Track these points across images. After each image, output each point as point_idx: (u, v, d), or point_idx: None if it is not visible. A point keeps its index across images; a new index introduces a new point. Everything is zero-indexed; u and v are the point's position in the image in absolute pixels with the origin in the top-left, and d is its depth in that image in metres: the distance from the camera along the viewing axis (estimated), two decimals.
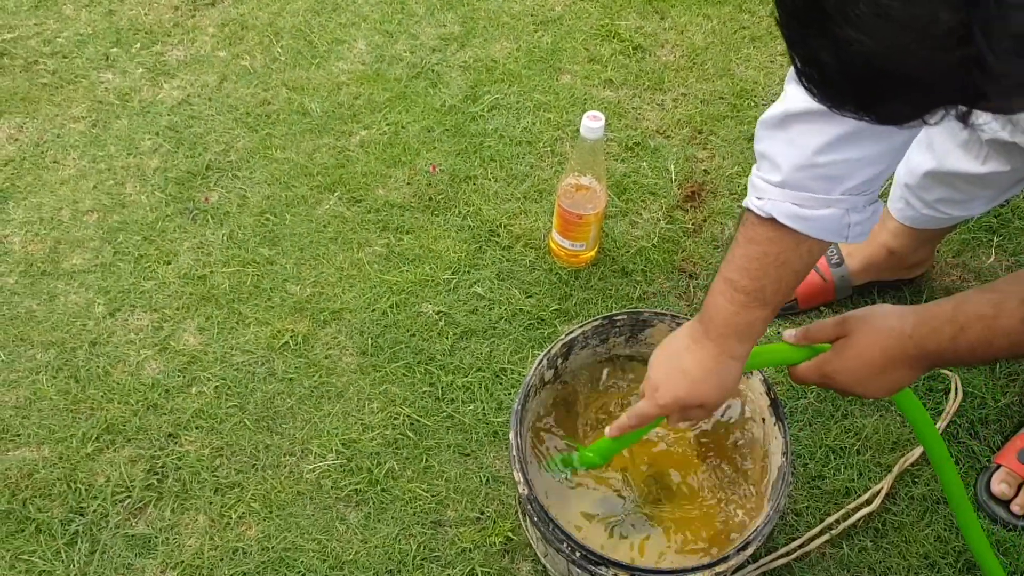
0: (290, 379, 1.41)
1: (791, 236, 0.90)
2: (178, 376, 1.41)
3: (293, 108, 1.72)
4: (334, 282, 1.51)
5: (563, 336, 1.14)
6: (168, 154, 1.67)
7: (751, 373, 1.13)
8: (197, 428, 1.36)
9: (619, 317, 1.15)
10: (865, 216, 0.93)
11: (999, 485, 1.28)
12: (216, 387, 1.40)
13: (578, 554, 1.01)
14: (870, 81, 0.52)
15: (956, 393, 1.34)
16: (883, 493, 1.27)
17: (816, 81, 0.56)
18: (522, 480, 1.05)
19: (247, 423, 1.37)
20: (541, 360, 1.13)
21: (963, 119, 0.53)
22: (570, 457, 1.12)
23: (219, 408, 1.38)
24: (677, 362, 0.97)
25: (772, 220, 0.90)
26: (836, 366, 0.92)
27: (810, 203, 0.89)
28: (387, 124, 1.70)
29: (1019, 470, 1.28)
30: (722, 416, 1.22)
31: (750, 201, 0.93)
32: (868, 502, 1.27)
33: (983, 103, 0.52)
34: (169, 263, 1.53)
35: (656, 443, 1.23)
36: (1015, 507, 1.27)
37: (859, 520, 1.25)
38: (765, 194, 0.91)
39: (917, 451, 1.30)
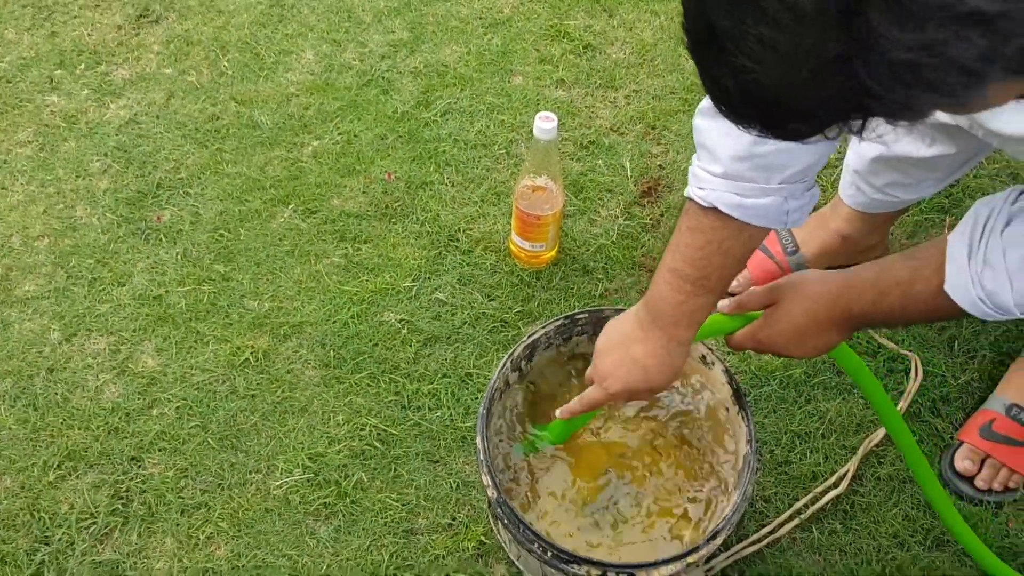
0: (252, 396, 1.39)
1: (733, 224, 0.93)
2: (138, 398, 1.39)
3: (243, 122, 1.71)
4: (292, 295, 1.49)
5: (525, 338, 1.14)
6: (118, 174, 1.65)
7: (712, 365, 1.14)
8: (160, 450, 1.34)
9: (580, 316, 1.16)
10: (803, 202, 0.96)
11: (963, 462, 1.30)
12: (177, 408, 1.38)
13: (549, 554, 1.01)
14: (768, 105, 0.56)
15: (916, 373, 1.36)
16: (850, 475, 1.28)
17: (722, 103, 0.59)
18: (490, 484, 1.04)
19: (211, 442, 1.35)
20: (505, 363, 1.12)
21: (859, 132, 0.56)
22: (529, 439, 1.16)
23: (181, 429, 1.36)
24: (626, 351, 0.99)
25: (714, 209, 0.93)
26: (768, 332, 0.96)
27: (750, 192, 0.92)
28: (339, 133, 1.69)
29: (981, 446, 1.30)
30: (688, 407, 1.22)
31: (692, 191, 0.95)
32: (835, 485, 1.28)
33: (875, 119, 0.55)
34: (124, 285, 1.51)
35: (632, 432, 1.23)
36: (979, 482, 1.28)
37: (827, 503, 1.26)
38: (706, 184, 0.93)
39: (881, 432, 1.31)
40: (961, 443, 1.31)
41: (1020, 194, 0.82)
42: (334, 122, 1.70)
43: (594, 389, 1.02)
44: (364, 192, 1.61)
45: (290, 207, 1.60)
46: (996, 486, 1.28)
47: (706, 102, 0.94)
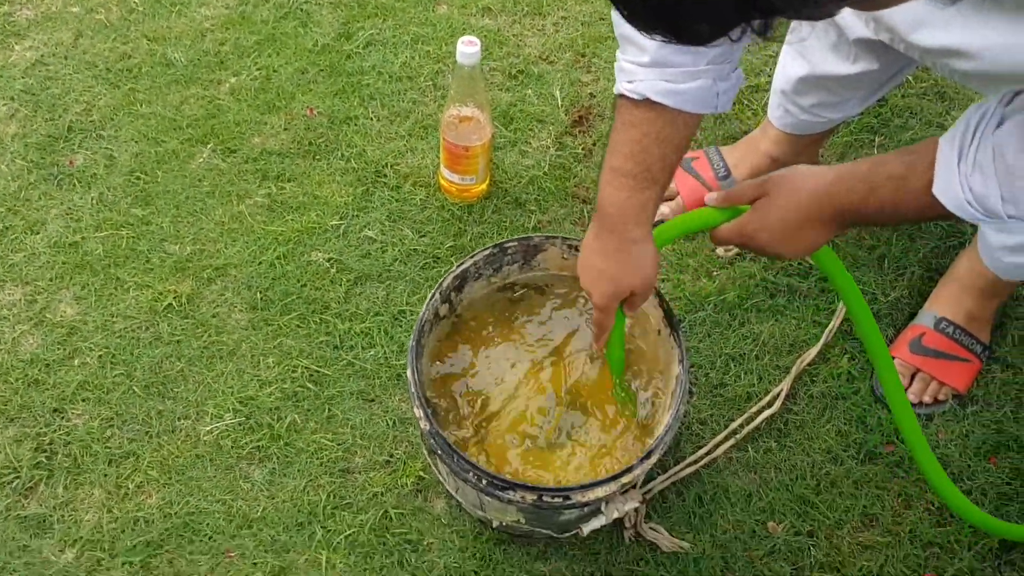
0: (177, 341, 1.35)
1: (667, 112, 0.93)
2: (58, 349, 1.34)
3: (156, 60, 1.63)
4: (215, 238, 1.44)
5: (455, 268, 1.12)
6: (26, 119, 1.57)
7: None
8: (83, 400, 1.30)
9: (510, 244, 1.13)
10: (731, 84, 0.96)
11: None
12: (100, 356, 1.33)
13: (484, 481, 0.99)
14: (668, 10, 0.55)
15: None
16: (783, 394, 1.29)
17: (625, 8, 0.58)
18: (422, 415, 1.02)
19: (136, 390, 1.31)
20: (434, 295, 1.10)
21: (762, 32, 0.55)
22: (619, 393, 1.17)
23: (105, 378, 1.32)
24: (591, 263, 1.01)
25: (647, 100, 0.93)
26: (756, 225, 0.94)
27: (679, 77, 0.92)
28: (257, 69, 1.62)
29: (911, 360, 1.31)
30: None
31: (621, 87, 0.95)
32: (769, 404, 1.29)
33: (777, 14, 0.54)
34: (37, 233, 1.44)
35: (558, 374, 1.22)
36: (909, 396, 1.30)
37: (762, 423, 1.27)
38: (635, 76, 0.93)
39: (813, 351, 1.32)
40: (892, 359, 1.32)
41: (1016, 95, 0.81)
42: (251, 57, 1.64)
43: (595, 313, 1.05)
44: (286, 129, 1.56)
45: (209, 147, 1.54)
46: (926, 399, 1.30)
47: None
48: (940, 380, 1.30)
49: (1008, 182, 0.80)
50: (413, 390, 1.04)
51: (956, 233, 1.44)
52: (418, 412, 1.03)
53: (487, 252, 1.13)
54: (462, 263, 1.12)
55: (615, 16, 0.92)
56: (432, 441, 1.01)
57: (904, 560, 1.20)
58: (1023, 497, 1.23)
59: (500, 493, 0.99)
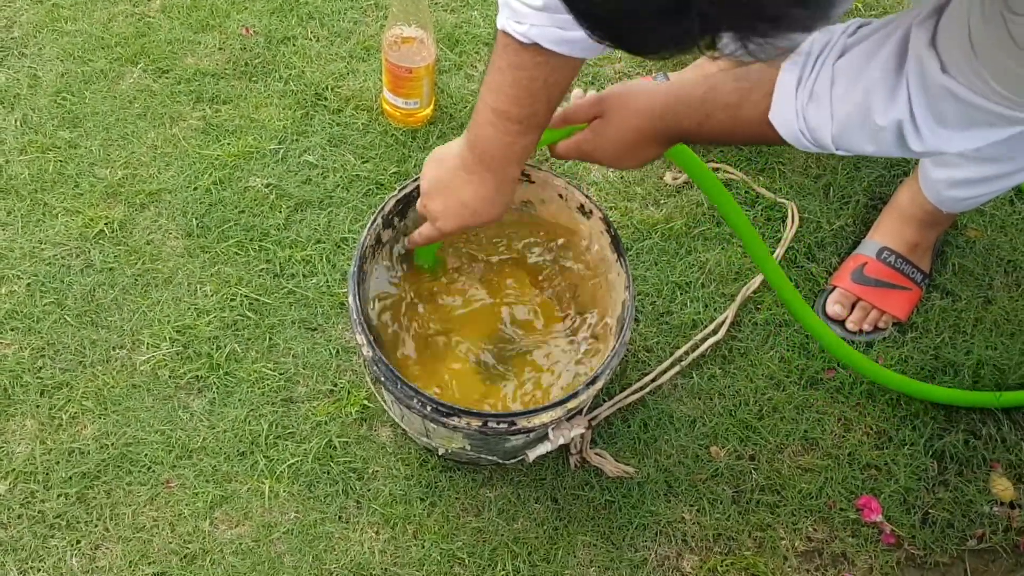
0: (110, 269, 1.30)
1: (556, 58, 0.88)
2: None
3: None
4: (148, 162, 1.39)
5: (396, 192, 1.09)
6: None
7: (591, 213, 1.11)
8: (12, 330, 1.25)
9: None
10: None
11: (833, 306, 1.32)
12: (28, 284, 1.28)
13: (429, 408, 0.98)
14: (613, 24, 0.54)
15: (792, 219, 1.37)
16: (728, 322, 1.30)
17: (579, 19, 0.56)
18: (365, 342, 1.00)
19: (68, 319, 1.26)
20: (375, 219, 1.07)
21: (710, 48, 0.53)
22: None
23: (34, 307, 1.27)
24: (456, 195, 0.98)
25: (535, 45, 0.87)
26: (594, 144, 0.96)
27: (572, 24, 0.85)
28: None
29: (852, 289, 1.33)
30: (570, 264, 1.20)
31: (507, 24, 0.88)
32: (714, 332, 1.29)
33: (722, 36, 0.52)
34: None
35: (502, 303, 1.20)
36: (850, 324, 1.32)
37: (707, 349, 1.28)
38: (525, 19, 0.86)
39: (758, 279, 1.33)
40: (834, 288, 1.34)
41: (859, 27, 0.80)
42: None
43: (427, 227, 1.03)
44: (220, 49, 1.49)
45: (139, 67, 1.47)
46: (866, 327, 1.32)
47: None
48: (881, 308, 1.32)
49: (841, 112, 0.79)
50: (355, 316, 1.01)
51: (901, 162, 1.45)
52: (360, 339, 1.01)
53: None
54: (404, 187, 1.09)
55: None
56: (375, 368, 1.00)
57: (843, 482, 1.22)
58: (957, 420, 1.26)
59: (445, 420, 0.98)
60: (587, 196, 1.10)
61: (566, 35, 0.86)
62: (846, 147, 0.82)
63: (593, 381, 1.00)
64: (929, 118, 0.76)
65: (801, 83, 0.80)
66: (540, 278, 1.20)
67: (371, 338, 1.00)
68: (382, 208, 1.07)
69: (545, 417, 0.99)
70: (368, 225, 1.06)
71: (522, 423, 0.99)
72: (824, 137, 0.81)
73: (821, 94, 0.80)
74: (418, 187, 1.10)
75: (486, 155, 0.94)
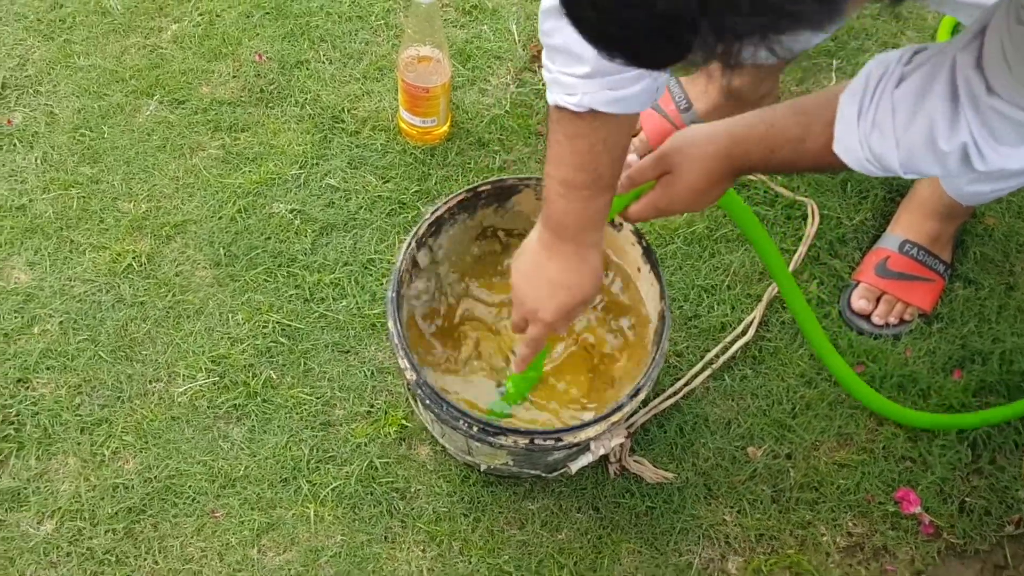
0: (141, 303, 1.31)
1: (612, 119, 0.90)
2: (15, 317, 1.29)
3: (90, 8, 1.55)
4: (171, 193, 1.40)
5: (427, 215, 1.10)
6: None
7: (620, 227, 1.13)
8: (48, 368, 1.26)
9: (483, 188, 1.11)
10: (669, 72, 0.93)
11: (859, 301, 1.34)
12: (61, 323, 1.29)
13: (475, 428, 0.99)
14: (627, 48, 0.54)
15: (813, 217, 1.38)
16: (756, 322, 1.31)
17: (587, 37, 0.55)
18: (408, 366, 1.01)
19: (103, 355, 1.27)
20: (409, 243, 1.08)
21: (729, 64, 0.53)
22: (500, 403, 1.15)
23: (68, 344, 1.28)
24: (543, 277, 0.97)
25: (591, 111, 0.89)
26: (668, 199, 0.97)
27: (623, 83, 0.88)
28: (199, 14, 1.55)
29: (877, 284, 1.34)
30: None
31: (559, 99, 0.89)
32: (743, 333, 1.31)
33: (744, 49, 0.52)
34: None
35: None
36: (876, 318, 1.33)
37: (737, 351, 1.29)
38: (575, 89, 0.88)
39: None
40: (858, 283, 1.35)
41: (915, 53, 0.82)
42: (192, 2, 1.56)
43: (532, 328, 1.00)
44: (235, 76, 1.50)
45: (155, 99, 1.47)
46: (892, 320, 1.33)
47: (551, 1, 0.88)
48: (906, 301, 1.33)
49: (905, 140, 0.81)
50: (396, 342, 1.02)
51: None
52: (403, 363, 1.02)
53: (460, 197, 1.11)
54: (436, 209, 1.10)
55: (546, 25, 0.89)
56: (420, 392, 1.01)
57: (879, 476, 1.23)
58: (987, 407, 1.28)
59: (492, 439, 0.99)
60: None
61: (617, 95, 0.88)
62: (914, 171, 0.83)
63: (636, 393, 1.01)
64: (988, 138, 0.77)
65: (862, 114, 0.82)
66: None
67: (414, 362, 1.01)
68: (416, 232, 1.08)
69: (591, 431, 1.00)
70: (403, 249, 1.07)
71: (568, 439, 1.00)
72: (891, 163, 0.83)
73: (883, 123, 0.81)
74: (448, 209, 1.11)
75: (561, 227, 0.94)
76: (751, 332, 1.30)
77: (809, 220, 1.39)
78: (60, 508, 1.18)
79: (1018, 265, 1.38)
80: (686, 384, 1.27)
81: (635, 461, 1.21)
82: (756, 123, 0.91)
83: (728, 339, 1.30)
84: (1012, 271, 1.37)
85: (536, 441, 0.99)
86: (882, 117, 0.81)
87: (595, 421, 1.00)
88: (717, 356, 1.29)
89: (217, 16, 1.55)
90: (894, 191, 1.43)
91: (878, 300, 1.34)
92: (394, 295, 1.04)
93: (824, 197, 1.42)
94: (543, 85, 1.50)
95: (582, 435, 1.00)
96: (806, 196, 1.41)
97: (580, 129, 0.90)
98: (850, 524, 1.22)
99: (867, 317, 1.33)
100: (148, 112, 1.46)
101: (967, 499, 1.23)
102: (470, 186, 1.10)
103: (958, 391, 1.28)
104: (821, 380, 1.29)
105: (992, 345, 1.30)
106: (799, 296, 1.09)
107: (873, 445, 1.26)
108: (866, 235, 1.40)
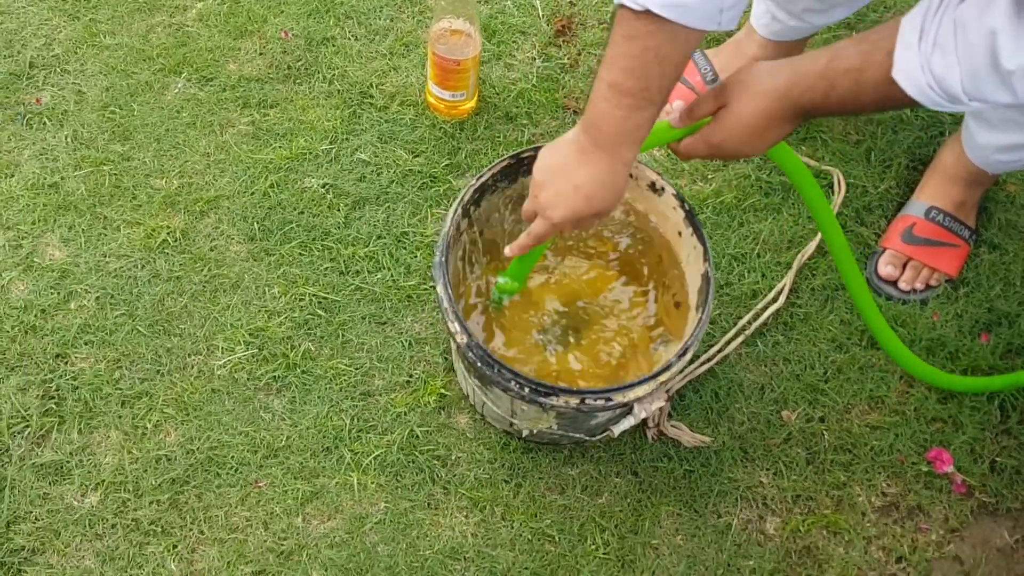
0: (177, 278, 1.32)
1: (668, 27, 0.88)
2: (51, 293, 1.29)
3: None
4: (202, 170, 1.40)
5: (474, 181, 1.11)
6: None
7: (662, 191, 1.14)
8: (86, 343, 1.26)
9: (527, 154, 1.12)
10: (736, 0, 0.91)
11: (886, 267, 1.36)
12: (97, 298, 1.29)
13: (527, 389, 1.01)
14: None
15: (840, 186, 1.40)
16: (787, 289, 1.33)
17: None
18: (459, 329, 1.03)
19: (140, 329, 1.28)
20: (456, 209, 1.09)
21: None
22: (494, 292, 1.14)
23: (106, 319, 1.28)
24: (568, 179, 0.95)
25: (648, 12, 0.87)
26: (721, 136, 0.94)
27: None
28: None
29: (903, 250, 1.36)
30: (627, 241, 1.22)
31: None
32: (774, 300, 1.32)
33: None
34: (12, 176, 1.38)
35: (568, 277, 1.23)
36: (903, 284, 1.35)
37: (769, 318, 1.31)
38: None
39: (812, 245, 1.36)
40: (884, 249, 1.37)
41: None
42: None
43: (539, 222, 0.99)
44: (261, 54, 1.51)
45: (183, 76, 1.48)
46: (919, 285, 1.35)
47: None
48: (932, 267, 1.35)
49: (967, 59, 0.78)
50: (446, 305, 1.03)
51: (936, 123, 1.48)
52: (454, 327, 1.03)
53: (504, 164, 1.12)
54: (481, 175, 1.11)
55: None
56: (471, 354, 1.02)
57: (912, 437, 1.26)
58: (1015, 369, 1.30)
59: (543, 400, 1.00)
60: (658, 173, 1.12)
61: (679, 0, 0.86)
62: (979, 96, 0.79)
63: (684, 352, 1.02)
64: None
65: (923, 34, 0.79)
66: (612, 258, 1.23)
67: (465, 325, 1.02)
68: (462, 197, 1.09)
69: (640, 391, 1.02)
70: (450, 214, 1.08)
71: (617, 398, 1.01)
72: (954, 86, 0.79)
73: (945, 43, 0.78)
74: (492, 175, 1.12)
75: (600, 133, 0.92)
76: (782, 299, 1.32)
77: (836, 189, 1.41)
78: (104, 480, 1.18)
79: None
80: (720, 350, 1.29)
81: (672, 426, 1.23)
82: (819, 55, 0.88)
83: (760, 306, 1.32)
84: None
85: (587, 401, 1.01)
86: (944, 36, 0.77)
87: (644, 380, 1.02)
88: (749, 323, 1.31)
89: None
90: (916, 159, 1.45)
91: (904, 266, 1.36)
92: (443, 259, 1.05)
93: (849, 167, 1.44)
94: (567, 60, 1.52)
95: (631, 394, 1.01)
96: (832, 166, 1.43)
97: (636, 30, 0.88)
98: (884, 484, 1.24)
99: (894, 283, 1.35)
100: (176, 90, 1.47)
101: (997, 459, 1.25)
102: (514, 152, 1.11)
103: (986, 353, 1.30)
104: (852, 345, 1.31)
105: (1018, 308, 1.33)
106: (848, 252, 1.07)
107: (904, 407, 1.28)
108: (891, 203, 1.42)
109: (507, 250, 1.04)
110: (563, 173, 0.95)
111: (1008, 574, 1.19)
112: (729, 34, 1.52)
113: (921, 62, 0.80)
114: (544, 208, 0.97)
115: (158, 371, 1.25)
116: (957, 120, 1.44)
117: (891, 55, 0.81)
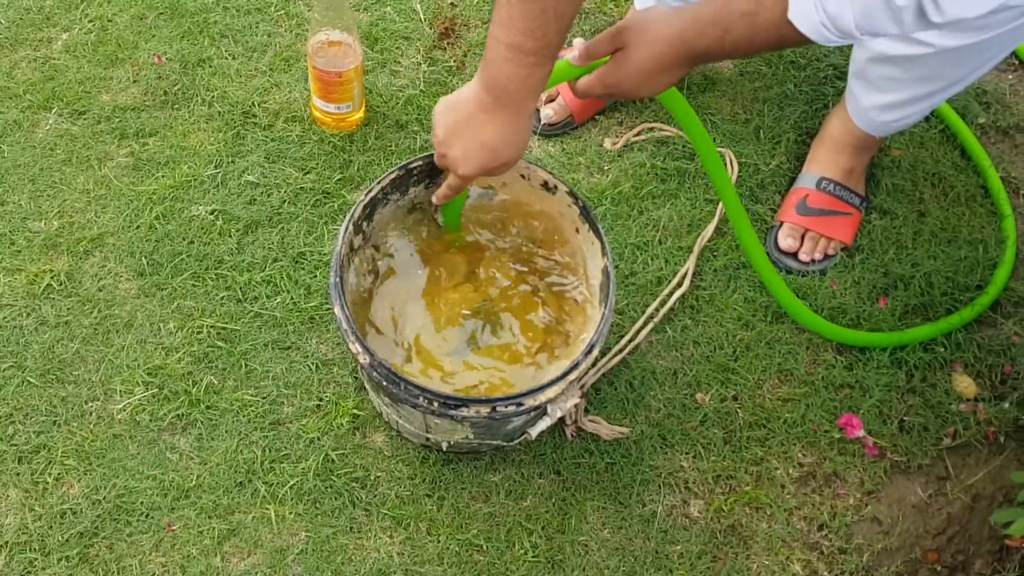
0: (66, 322, 1.26)
1: None
2: None
3: None
4: (83, 207, 1.34)
5: (363, 197, 1.08)
6: None
7: (555, 189, 1.13)
8: None
9: (415, 164, 1.11)
10: None
11: (785, 240, 1.38)
12: None
13: (436, 404, 0.99)
14: None
15: (732, 166, 1.42)
16: (690, 273, 1.34)
17: None
18: (360, 349, 1.00)
19: (31, 380, 1.22)
20: (347, 226, 1.06)
21: None
22: (441, 220, 1.18)
23: None
24: (475, 136, 0.98)
25: None
26: (617, 76, 0.97)
27: None
28: (90, 20, 1.49)
29: (799, 222, 1.38)
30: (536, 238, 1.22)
31: None
32: (679, 285, 1.33)
33: None
34: None
35: (478, 285, 1.22)
36: (803, 255, 1.38)
37: (675, 303, 1.32)
38: None
39: (710, 228, 1.37)
40: (782, 223, 1.39)
41: None
42: (80, 8, 1.50)
43: (452, 177, 1.03)
44: (135, 81, 1.45)
45: (54, 111, 1.41)
46: (817, 255, 1.38)
47: None
48: (828, 236, 1.38)
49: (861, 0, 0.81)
50: (345, 327, 1.01)
51: (820, 96, 1.51)
52: (355, 348, 1.00)
53: (392, 176, 1.10)
54: (370, 190, 1.08)
55: None
56: (375, 373, 1.00)
57: (822, 406, 1.28)
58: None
59: (454, 412, 0.99)
60: (550, 172, 1.12)
61: None
62: (870, 31, 0.83)
63: (591, 349, 1.02)
64: None
65: None
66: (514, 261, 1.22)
67: (367, 346, 1.00)
68: (351, 214, 1.07)
69: (550, 393, 1.01)
70: (341, 233, 1.06)
71: (529, 402, 1.01)
72: (847, 24, 0.83)
73: None
74: (382, 188, 1.10)
75: (504, 92, 0.94)
76: (687, 283, 1.33)
77: (728, 169, 1.42)
78: (7, 542, 1.13)
79: (926, 192, 1.44)
80: (630, 340, 1.29)
81: (590, 420, 1.22)
82: (712, 2, 0.91)
83: (665, 292, 1.33)
84: (922, 199, 1.44)
85: (498, 408, 0.99)
86: None
87: (553, 382, 1.01)
88: (657, 310, 1.32)
89: (109, 21, 1.50)
90: (804, 133, 1.47)
91: (802, 238, 1.38)
92: (337, 280, 1.03)
93: (739, 146, 1.46)
94: (453, 62, 1.50)
95: (542, 397, 1.01)
96: (723, 147, 1.44)
97: None
98: (800, 455, 1.26)
99: (794, 255, 1.38)
100: (48, 126, 1.40)
101: (905, 418, 1.28)
102: (401, 163, 1.09)
103: (886, 316, 1.33)
104: (757, 321, 1.33)
105: (912, 270, 1.36)
106: (734, 196, 1.12)
107: (813, 377, 1.30)
108: (783, 178, 1.44)
109: (434, 198, 1.10)
110: (468, 131, 0.99)
111: (924, 527, 1.23)
112: (610, 23, 1.52)
113: (815, 2, 0.83)
114: (455, 165, 1.01)
115: (54, 422, 1.20)
116: (840, 91, 1.47)
117: None
